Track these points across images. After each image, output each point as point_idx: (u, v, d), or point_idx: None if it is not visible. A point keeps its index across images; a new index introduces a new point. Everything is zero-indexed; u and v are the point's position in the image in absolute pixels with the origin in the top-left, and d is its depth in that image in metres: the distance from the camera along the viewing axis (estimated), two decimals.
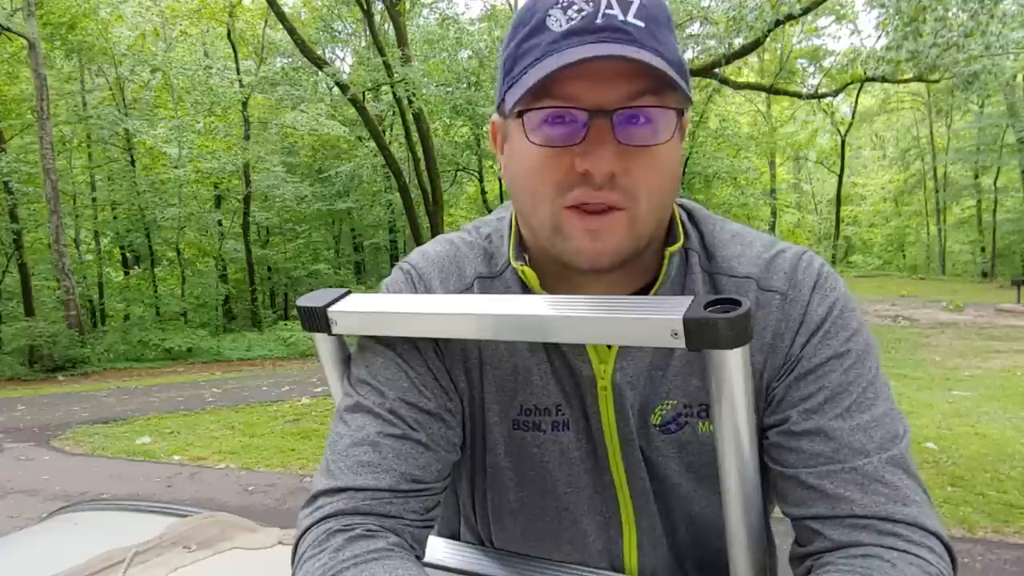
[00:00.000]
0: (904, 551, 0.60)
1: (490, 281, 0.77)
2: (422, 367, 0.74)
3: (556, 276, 0.73)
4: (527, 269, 0.73)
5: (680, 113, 0.65)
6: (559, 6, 0.63)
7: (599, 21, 0.62)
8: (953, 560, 0.63)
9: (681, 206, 0.79)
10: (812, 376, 0.68)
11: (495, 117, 0.75)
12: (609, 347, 0.72)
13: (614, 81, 0.61)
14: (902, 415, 0.68)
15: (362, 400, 0.73)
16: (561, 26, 0.62)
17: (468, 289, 0.77)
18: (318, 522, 0.67)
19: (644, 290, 0.74)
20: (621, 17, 0.62)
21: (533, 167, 0.66)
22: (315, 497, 0.70)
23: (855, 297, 0.73)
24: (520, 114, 0.65)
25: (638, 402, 0.73)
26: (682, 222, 0.76)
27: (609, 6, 0.62)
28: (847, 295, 0.72)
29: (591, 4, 0.62)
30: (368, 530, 0.66)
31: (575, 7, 0.62)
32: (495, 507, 0.83)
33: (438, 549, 0.89)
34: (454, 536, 0.94)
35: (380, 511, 0.68)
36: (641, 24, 0.62)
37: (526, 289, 0.75)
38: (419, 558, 0.71)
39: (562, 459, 0.76)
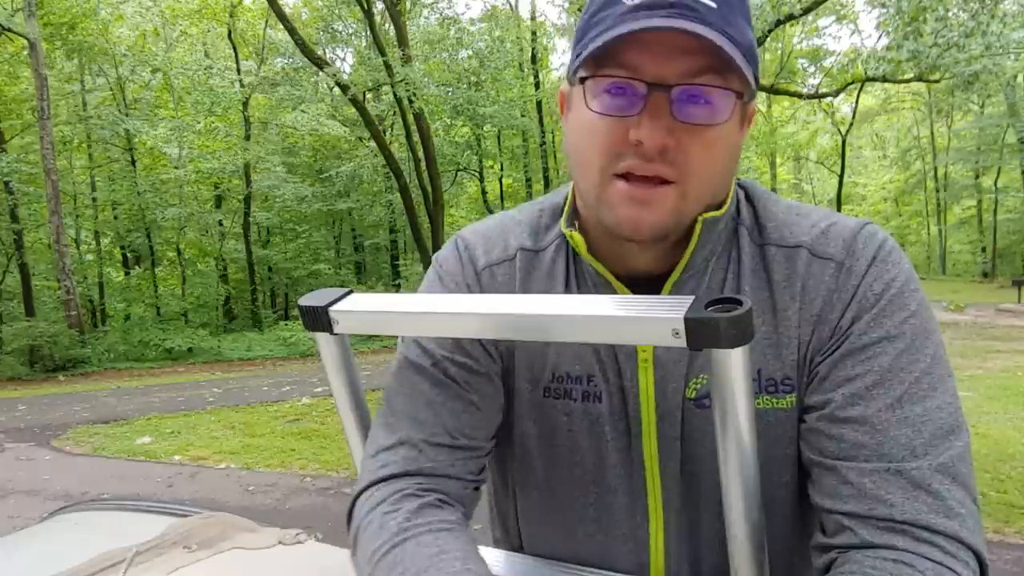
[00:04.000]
0: (939, 563, 0.57)
1: (533, 254, 0.79)
2: None
3: (603, 243, 0.74)
4: (575, 234, 0.73)
5: (740, 96, 0.64)
6: None
7: None
8: None
9: (741, 186, 0.78)
10: (861, 356, 0.65)
11: (564, 86, 0.75)
12: None
13: (677, 57, 0.61)
14: (960, 412, 0.64)
15: (416, 359, 0.76)
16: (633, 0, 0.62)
17: (511, 260, 0.79)
18: (385, 480, 0.71)
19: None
20: None
21: (588, 134, 0.66)
22: (377, 453, 0.73)
23: None
24: (583, 80, 0.65)
25: (677, 375, 0.72)
26: (738, 200, 0.75)
27: None
28: (910, 273, 0.68)
29: None
30: (439, 499, 0.71)
31: None
32: (521, 480, 0.82)
33: None
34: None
35: (440, 472, 0.72)
36: (714, 5, 0.61)
37: (571, 257, 0.77)
38: (468, 519, 0.75)
39: (591, 432, 0.76)
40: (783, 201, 0.76)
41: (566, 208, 0.78)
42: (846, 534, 0.62)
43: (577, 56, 0.67)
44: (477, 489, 0.76)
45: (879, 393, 0.63)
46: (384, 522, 0.67)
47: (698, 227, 0.69)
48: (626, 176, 0.65)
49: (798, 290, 0.69)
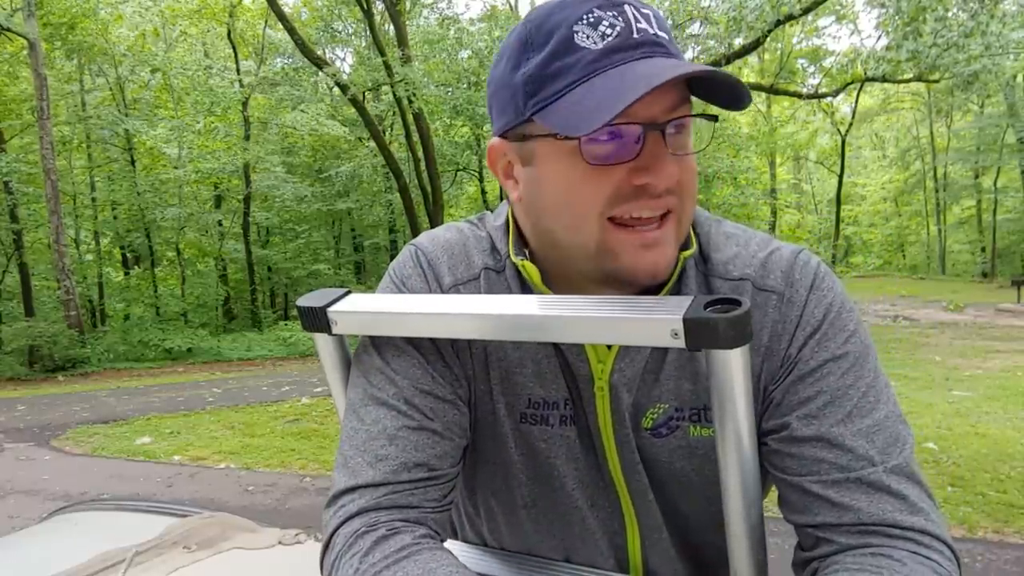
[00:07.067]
0: (914, 552, 0.61)
1: (496, 275, 0.76)
2: (434, 354, 0.74)
3: (560, 277, 0.73)
4: (528, 264, 0.72)
5: (715, 119, 0.68)
6: (585, 23, 0.61)
7: (636, 36, 0.61)
8: (959, 566, 0.63)
9: None
10: (810, 379, 0.68)
11: (496, 142, 0.72)
12: (609, 348, 0.72)
13: (660, 94, 0.61)
14: (901, 417, 0.68)
15: (376, 392, 0.72)
16: (596, 43, 0.61)
17: (475, 279, 0.76)
18: (344, 523, 0.68)
19: (645, 293, 0.73)
20: (651, 31, 0.62)
21: (579, 186, 0.64)
22: (337, 496, 0.70)
23: (855, 297, 0.72)
24: (568, 135, 0.62)
25: (632, 405, 0.73)
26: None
27: (637, 20, 0.62)
28: (844, 295, 0.71)
29: (620, 19, 0.62)
30: (392, 528, 0.66)
31: (605, 23, 0.61)
32: (507, 502, 0.82)
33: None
34: (453, 535, 0.94)
35: (402, 503, 0.69)
36: (666, 36, 0.63)
37: (526, 285, 0.74)
38: (443, 540, 0.72)
39: (568, 455, 0.76)
40: (722, 228, 0.77)
41: (510, 236, 0.76)
42: (823, 544, 0.65)
43: (540, 108, 0.64)
44: (444, 511, 0.73)
45: (831, 411, 0.66)
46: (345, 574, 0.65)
47: (678, 266, 0.71)
48: (624, 223, 0.64)
49: None
